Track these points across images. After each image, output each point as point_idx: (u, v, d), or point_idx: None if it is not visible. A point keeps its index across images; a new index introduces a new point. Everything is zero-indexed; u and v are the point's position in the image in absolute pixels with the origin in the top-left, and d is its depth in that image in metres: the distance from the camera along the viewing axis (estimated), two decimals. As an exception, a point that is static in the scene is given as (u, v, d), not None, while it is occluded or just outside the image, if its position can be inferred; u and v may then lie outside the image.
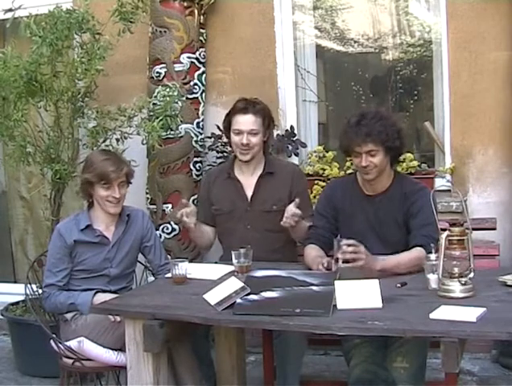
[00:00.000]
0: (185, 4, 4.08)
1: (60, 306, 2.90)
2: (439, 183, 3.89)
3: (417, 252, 2.66)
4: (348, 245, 2.52)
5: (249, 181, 3.21)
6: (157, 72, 4.12)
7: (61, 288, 2.92)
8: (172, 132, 3.98)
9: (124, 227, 3.02)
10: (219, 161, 4.07)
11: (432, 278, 2.39)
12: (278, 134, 4.11)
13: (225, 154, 4.09)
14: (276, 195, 3.16)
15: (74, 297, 2.88)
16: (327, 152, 4.18)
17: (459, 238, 2.30)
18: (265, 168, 3.22)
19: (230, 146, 3.36)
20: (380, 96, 4.63)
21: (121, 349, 2.70)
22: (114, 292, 2.93)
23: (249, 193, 3.19)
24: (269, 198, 3.16)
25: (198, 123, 4.18)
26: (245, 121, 3.12)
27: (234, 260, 2.73)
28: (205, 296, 2.39)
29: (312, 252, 2.84)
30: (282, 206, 3.04)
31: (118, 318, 2.68)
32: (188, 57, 4.12)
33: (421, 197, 2.81)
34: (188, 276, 2.71)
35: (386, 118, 2.79)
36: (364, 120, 2.74)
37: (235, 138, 3.15)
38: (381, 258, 2.64)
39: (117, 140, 3.85)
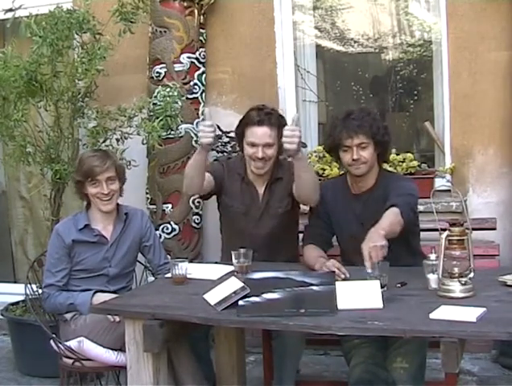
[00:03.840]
0: (185, 4, 4.08)
1: (60, 307, 2.91)
2: (439, 183, 3.90)
3: (392, 211, 2.57)
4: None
5: (261, 188, 3.15)
6: (157, 72, 4.11)
7: (61, 288, 2.92)
8: (172, 132, 3.98)
9: (122, 227, 3.02)
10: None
11: (432, 278, 2.39)
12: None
13: (225, 154, 4.09)
14: (284, 199, 3.11)
15: (73, 298, 2.88)
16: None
17: (459, 238, 2.30)
18: (273, 174, 3.13)
19: (241, 151, 3.19)
20: (380, 96, 4.64)
21: (121, 349, 2.70)
22: (114, 292, 2.92)
23: (262, 200, 3.14)
24: (277, 203, 3.13)
25: (198, 123, 4.18)
26: (261, 134, 3.00)
27: (234, 260, 2.74)
28: (205, 296, 2.40)
29: (313, 252, 2.86)
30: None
31: (118, 318, 2.68)
32: (188, 57, 4.12)
33: (400, 180, 2.91)
34: (188, 276, 2.71)
35: (373, 113, 2.89)
36: (352, 114, 2.81)
37: (249, 150, 3.04)
38: (379, 227, 2.48)
39: (117, 140, 3.85)
